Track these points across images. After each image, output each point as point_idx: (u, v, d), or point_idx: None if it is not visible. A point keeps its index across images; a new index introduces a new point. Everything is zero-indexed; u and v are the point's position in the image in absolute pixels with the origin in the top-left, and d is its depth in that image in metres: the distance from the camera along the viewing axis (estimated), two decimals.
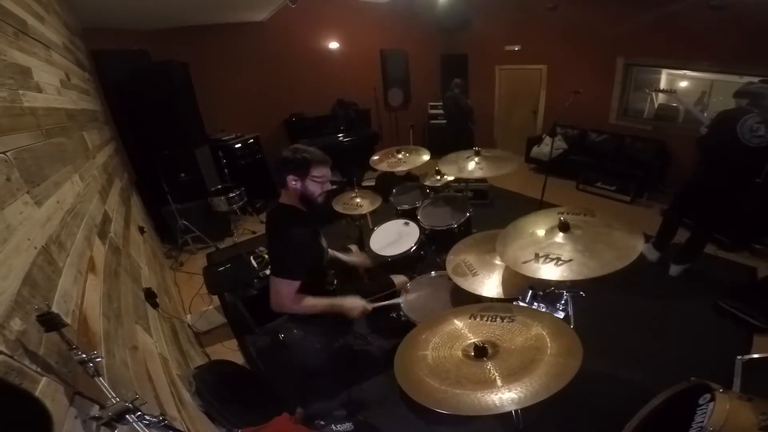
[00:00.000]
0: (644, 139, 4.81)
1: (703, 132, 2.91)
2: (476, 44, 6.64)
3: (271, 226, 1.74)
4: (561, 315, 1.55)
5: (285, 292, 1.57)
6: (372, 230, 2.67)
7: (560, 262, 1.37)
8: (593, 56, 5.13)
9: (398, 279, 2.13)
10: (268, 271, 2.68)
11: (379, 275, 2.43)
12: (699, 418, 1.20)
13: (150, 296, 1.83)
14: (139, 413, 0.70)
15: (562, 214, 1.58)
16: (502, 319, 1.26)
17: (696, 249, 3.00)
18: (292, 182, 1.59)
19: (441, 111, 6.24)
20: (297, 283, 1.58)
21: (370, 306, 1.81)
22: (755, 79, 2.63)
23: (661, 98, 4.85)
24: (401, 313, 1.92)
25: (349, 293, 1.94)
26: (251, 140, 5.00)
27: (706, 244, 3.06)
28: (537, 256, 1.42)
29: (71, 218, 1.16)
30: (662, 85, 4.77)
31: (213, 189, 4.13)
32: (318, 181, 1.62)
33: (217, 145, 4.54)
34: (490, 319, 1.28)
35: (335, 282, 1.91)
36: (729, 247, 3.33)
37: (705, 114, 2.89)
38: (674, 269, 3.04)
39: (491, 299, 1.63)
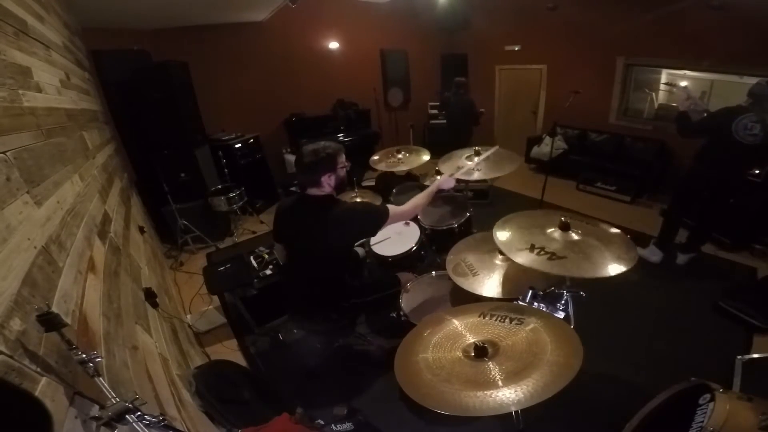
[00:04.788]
0: (644, 139, 4.81)
1: (695, 118, 2.90)
2: (476, 44, 6.64)
3: (313, 215, 1.74)
4: (561, 315, 1.55)
5: (399, 217, 1.85)
6: None
7: (554, 257, 1.39)
8: (593, 56, 5.13)
9: (404, 276, 2.14)
10: (268, 271, 2.69)
11: (381, 274, 2.43)
12: (699, 418, 1.20)
13: (150, 296, 1.83)
14: (139, 413, 0.70)
15: (566, 218, 1.60)
16: (511, 320, 1.26)
17: (700, 239, 3.15)
18: (327, 180, 1.70)
19: (442, 110, 6.15)
20: (393, 208, 1.82)
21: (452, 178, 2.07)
22: (764, 80, 2.67)
23: (661, 97, 4.85)
24: (401, 313, 1.92)
25: (354, 291, 1.96)
26: (251, 140, 4.99)
27: (710, 234, 3.22)
28: (532, 247, 1.46)
29: (71, 218, 1.16)
30: (662, 85, 4.78)
31: (213, 189, 4.13)
32: (345, 166, 1.78)
33: (217, 145, 4.53)
34: (499, 319, 1.28)
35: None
36: (729, 247, 3.33)
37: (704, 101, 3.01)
38: (681, 258, 3.16)
39: (491, 299, 1.63)
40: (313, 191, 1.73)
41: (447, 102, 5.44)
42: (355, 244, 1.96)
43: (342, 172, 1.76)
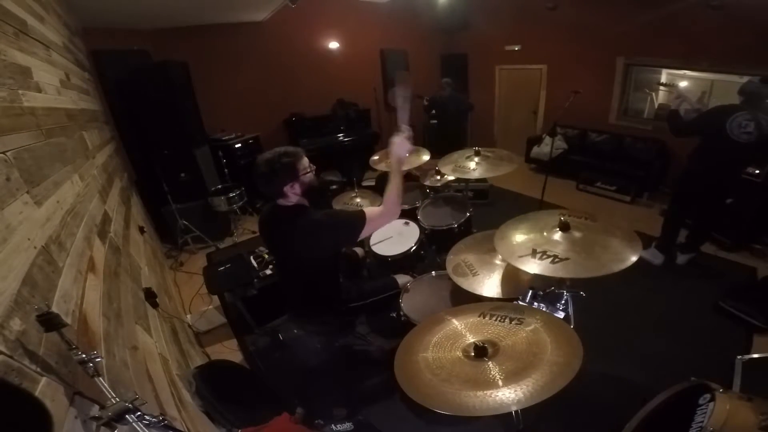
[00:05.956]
0: (644, 139, 4.81)
1: (687, 117, 2.93)
2: (476, 44, 6.64)
3: (283, 227, 1.69)
4: (561, 315, 1.55)
5: (380, 218, 1.68)
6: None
7: (556, 260, 1.38)
8: (593, 56, 5.13)
9: (402, 279, 2.13)
10: (268, 271, 2.69)
11: (380, 274, 2.43)
12: (699, 418, 1.20)
13: (150, 296, 1.83)
14: (139, 413, 0.69)
15: (564, 215, 1.58)
16: (511, 320, 1.25)
17: (699, 239, 3.15)
18: (290, 189, 1.59)
19: (431, 110, 5.92)
20: (371, 212, 1.67)
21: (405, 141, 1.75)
22: (755, 78, 2.68)
23: (661, 97, 4.85)
24: (401, 313, 1.92)
25: (350, 295, 1.95)
26: (251, 140, 5.00)
27: (709, 234, 3.23)
28: (534, 252, 1.44)
29: (71, 218, 1.16)
30: (660, 85, 4.77)
31: (213, 189, 4.13)
32: (308, 171, 1.64)
33: (217, 145, 4.54)
34: (499, 318, 1.28)
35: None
36: (729, 247, 3.33)
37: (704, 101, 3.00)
38: (681, 258, 3.17)
39: (491, 299, 1.63)
40: (282, 202, 1.65)
41: (437, 102, 5.39)
42: (336, 252, 1.79)
43: (307, 178, 1.62)
